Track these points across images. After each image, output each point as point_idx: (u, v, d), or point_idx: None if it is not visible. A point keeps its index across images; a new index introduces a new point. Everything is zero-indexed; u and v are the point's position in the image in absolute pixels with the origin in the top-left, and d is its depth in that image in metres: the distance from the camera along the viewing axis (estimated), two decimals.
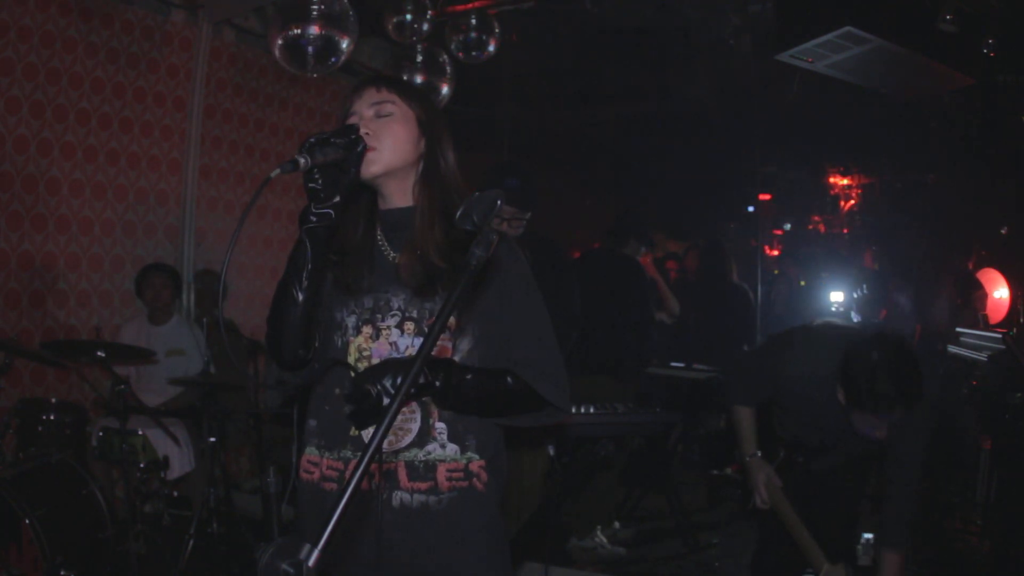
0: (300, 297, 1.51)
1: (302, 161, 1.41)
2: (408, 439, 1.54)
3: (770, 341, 2.91)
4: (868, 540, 3.67)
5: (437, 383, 1.47)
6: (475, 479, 1.57)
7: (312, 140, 1.45)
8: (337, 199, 1.49)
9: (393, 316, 1.57)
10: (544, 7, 4.80)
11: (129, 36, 4.64)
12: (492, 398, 1.56)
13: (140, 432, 3.78)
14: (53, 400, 3.62)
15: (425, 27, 4.25)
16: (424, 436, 1.54)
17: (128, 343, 4.06)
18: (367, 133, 1.54)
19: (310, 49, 3.61)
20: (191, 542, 3.59)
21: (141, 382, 4.20)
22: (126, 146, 4.70)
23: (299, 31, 3.55)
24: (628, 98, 6.93)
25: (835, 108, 5.96)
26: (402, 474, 1.53)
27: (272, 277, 5.61)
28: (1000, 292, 5.95)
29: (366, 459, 0.95)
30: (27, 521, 2.84)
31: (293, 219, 5.78)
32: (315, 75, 3.91)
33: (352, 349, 1.58)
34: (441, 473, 1.54)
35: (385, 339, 1.56)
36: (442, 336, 1.51)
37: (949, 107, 5.94)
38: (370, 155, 1.54)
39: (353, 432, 1.55)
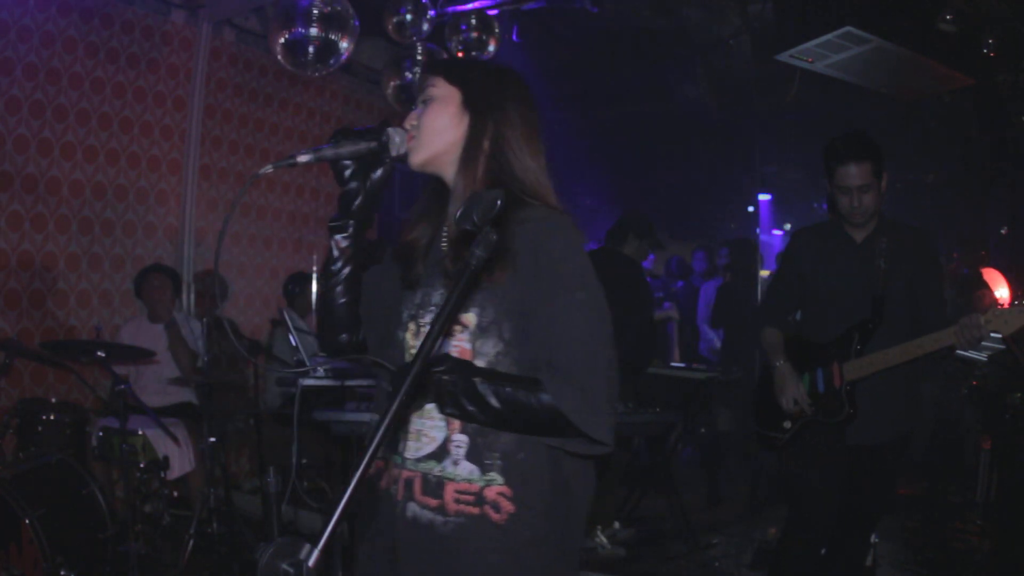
0: (323, 290, 1.55)
1: (300, 158, 1.42)
2: (430, 448, 1.42)
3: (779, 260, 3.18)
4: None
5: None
6: (489, 507, 1.36)
7: (335, 134, 1.48)
8: (354, 184, 1.50)
9: (431, 312, 1.47)
10: (544, 7, 4.79)
11: (129, 36, 4.64)
12: (507, 411, 1.31)
13: (140, 432, 3.79)
14: (53, 400, 3.64)
15: (425, 27, 4.25)
16: (443, 448, 1.40)
17: (128, 343, 4.06)
18: (413, 124, 1.51)
19: (310, 49, 3.61)
20: (191, 542, 3.59)
21: (141, 382, 4.20)
22: (126, 146, 4.70)
23: (299, 31, 3.56)
24: (628, 98, 6.92)
25: (835, 108, 5.95)
26: (418, 485, 1.42)
27: (272, 277, 5.61)
28: (1000, 292, 5.94)
29: (367, 458, 0.95)
30: (27, 521, 2.84)
31: (293, 219, 5.81)
32: (315, 75, 3.91)
33: (406, 345, 1.52)
34: (448, 493, 1.38)
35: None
36: (460, 337, 1.38)
37: (949, 107, 5.94)
38: (411, 143, 1.50)
39: None
